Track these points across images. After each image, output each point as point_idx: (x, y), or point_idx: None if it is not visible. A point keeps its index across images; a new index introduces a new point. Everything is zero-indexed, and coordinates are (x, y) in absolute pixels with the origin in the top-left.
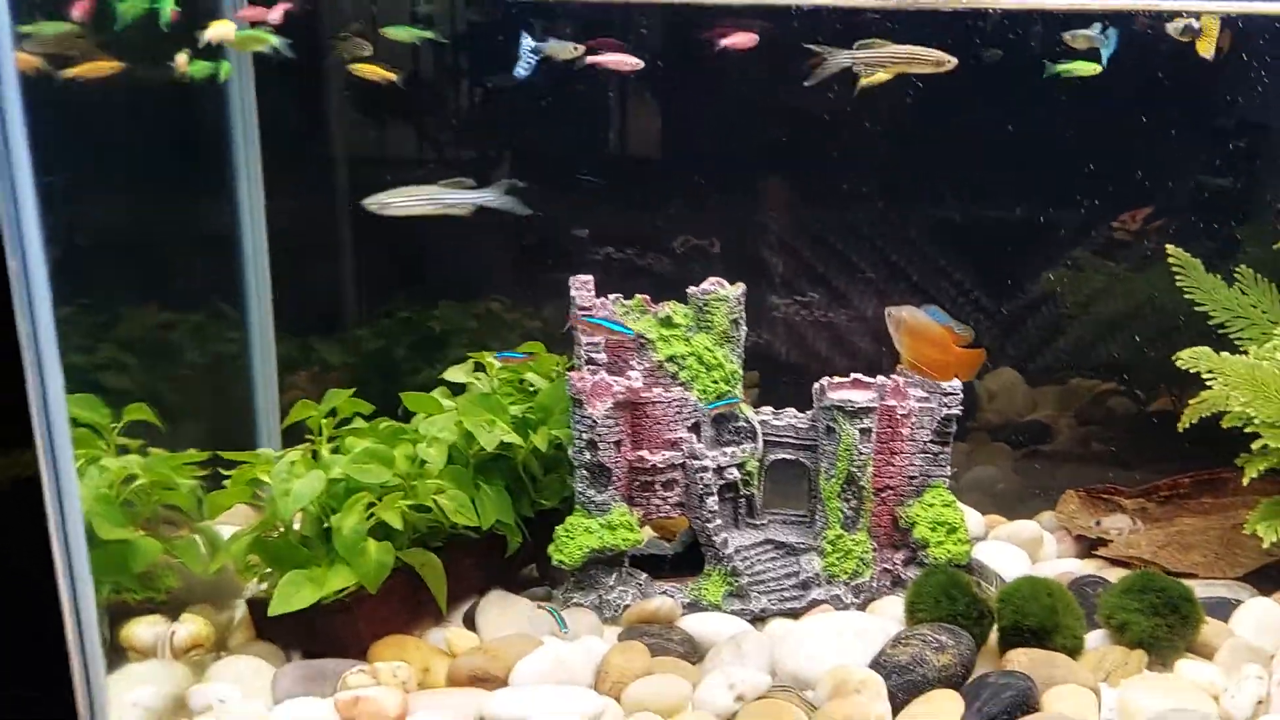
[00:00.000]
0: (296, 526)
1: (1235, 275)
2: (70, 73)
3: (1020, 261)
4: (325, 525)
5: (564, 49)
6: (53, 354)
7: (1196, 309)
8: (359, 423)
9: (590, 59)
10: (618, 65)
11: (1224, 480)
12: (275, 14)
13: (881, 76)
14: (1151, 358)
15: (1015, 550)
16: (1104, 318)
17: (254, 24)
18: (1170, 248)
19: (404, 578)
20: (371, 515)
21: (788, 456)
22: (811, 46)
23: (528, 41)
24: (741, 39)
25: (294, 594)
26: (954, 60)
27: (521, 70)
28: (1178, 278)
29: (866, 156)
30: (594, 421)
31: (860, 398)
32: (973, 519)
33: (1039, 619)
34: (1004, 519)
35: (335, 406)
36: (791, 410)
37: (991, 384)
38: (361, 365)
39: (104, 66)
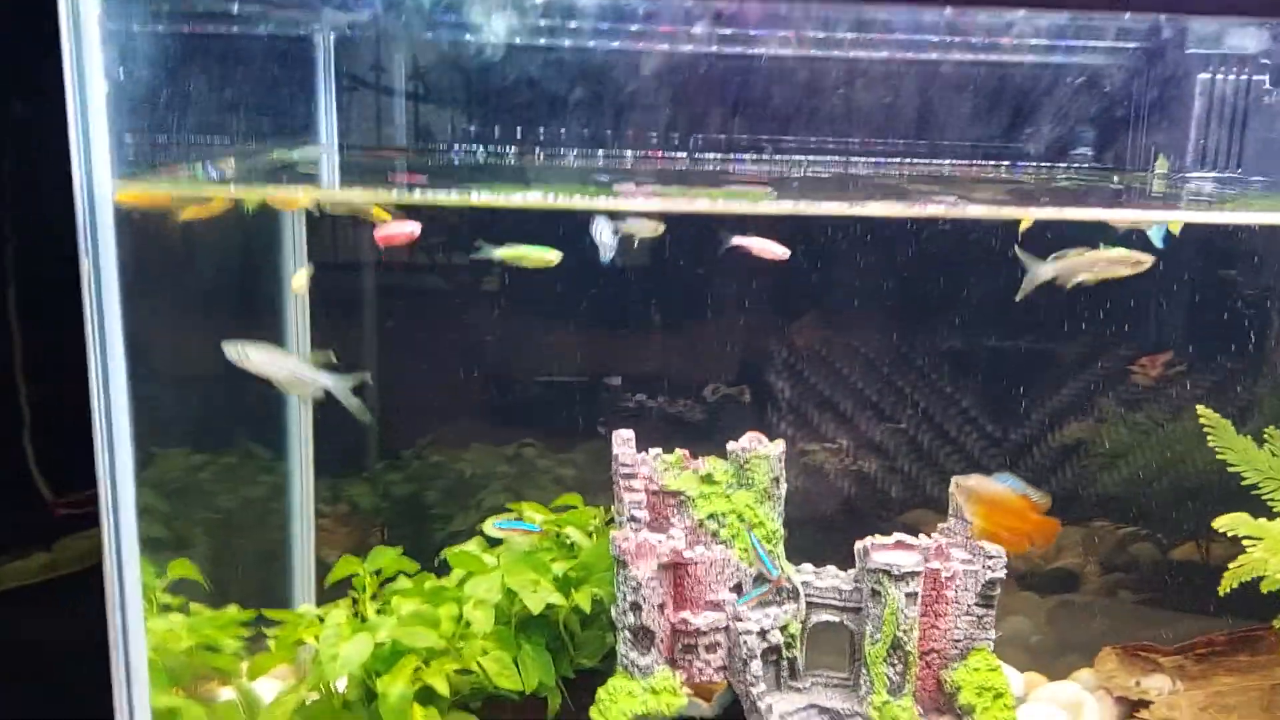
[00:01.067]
0: (341, 688)
1: (1265, 436)
2: (188, 214)
3: (1042, 401)
4: (369, 687)
5: (643, 226)
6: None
7: (1229, 470)
8: (403, 580)
9: (739, 244)
10: (762, 252)
11: (1260, 637)
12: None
13: (1087, 278)
14: (1175, 504)
15: (1059, 713)
16: (1127, 462)
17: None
18: (1200, 408)
19: None
20: (417, 679)
21: (831, 619)
22: (1017, 254)
23: (606, 222)
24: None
25: None
26: (1150, 259)
27: (607, 255)
28: (1209, 439)
29: (893, 302)
30: (639, 583)
31: (906, 561)
32: (1012, 677)
33: None
34: (1043, 676)
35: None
36: (833, 569)
37: None
38: (391, 509)
39: (217, 207)
